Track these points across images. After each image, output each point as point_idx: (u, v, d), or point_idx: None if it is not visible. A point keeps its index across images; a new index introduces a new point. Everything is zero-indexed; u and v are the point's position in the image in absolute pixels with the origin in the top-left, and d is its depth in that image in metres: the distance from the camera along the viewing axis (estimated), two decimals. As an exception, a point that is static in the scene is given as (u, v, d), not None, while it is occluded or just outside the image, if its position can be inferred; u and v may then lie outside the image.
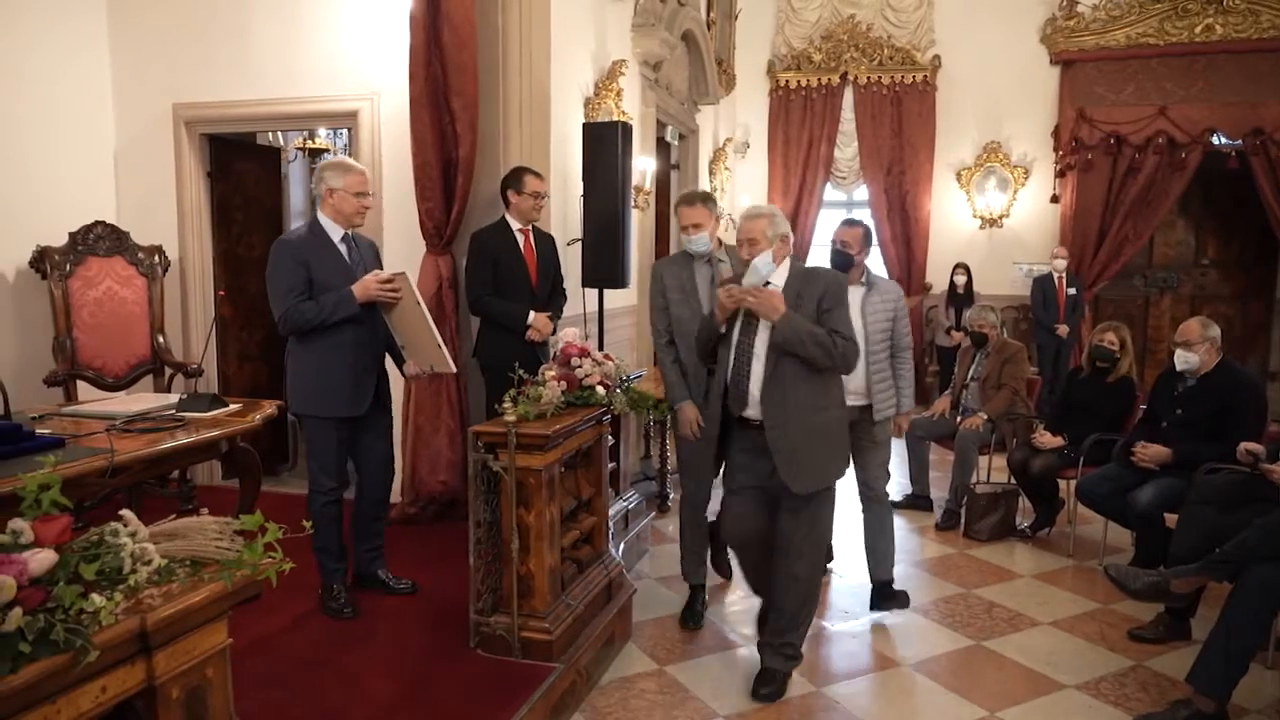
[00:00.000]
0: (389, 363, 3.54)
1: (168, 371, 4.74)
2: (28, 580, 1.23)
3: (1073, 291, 7.88)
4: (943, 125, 9.08)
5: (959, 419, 5.39)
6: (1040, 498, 5.00)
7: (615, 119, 5.18)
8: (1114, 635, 3.72)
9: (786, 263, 3.06)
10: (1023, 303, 8.58)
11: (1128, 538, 4.46)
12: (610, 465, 3.78)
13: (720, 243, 3.76)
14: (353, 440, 3.41)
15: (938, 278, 8.98)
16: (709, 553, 3.97)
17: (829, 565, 4.30)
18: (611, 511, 3.92)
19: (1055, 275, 7.87)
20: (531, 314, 4.07)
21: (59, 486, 1.39)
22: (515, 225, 4.13)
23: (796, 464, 2.99)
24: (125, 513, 1.46)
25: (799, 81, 9.39)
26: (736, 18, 9.01)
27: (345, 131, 6.04)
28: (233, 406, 3.36)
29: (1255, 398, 4.07)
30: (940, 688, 3.29)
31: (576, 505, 3.40)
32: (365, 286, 3.20)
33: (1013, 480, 5.04)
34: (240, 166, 5.37)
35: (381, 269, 3.37)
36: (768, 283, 3.01)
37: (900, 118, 9.11)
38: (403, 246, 4.48)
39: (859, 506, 4.03)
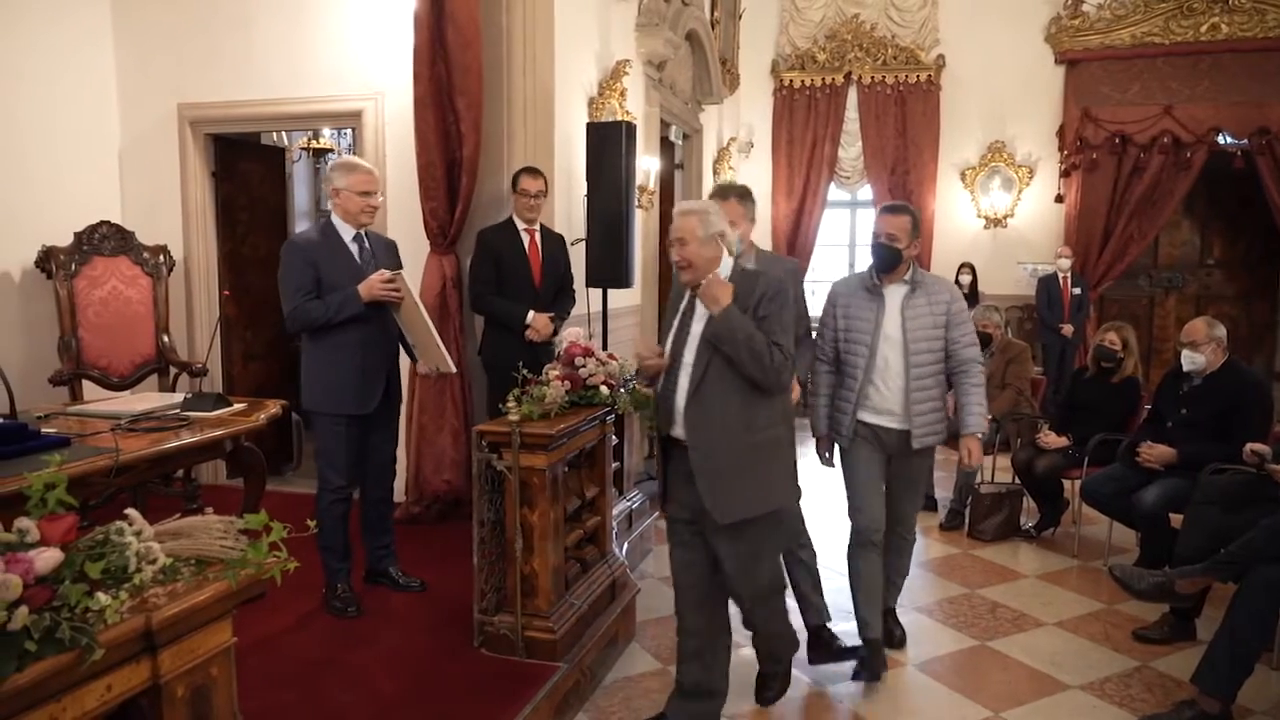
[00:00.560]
0: (405, 361, 3.55)
1: (172, 371, 4.75)
2: (34, 579, 1.23)
3: (1077, 291, 7.86)
4: (947, 125, 9.06)
5: (963, 419, 5.38)
6: (1045, 498, 4.99)
7: (619, 119, 5.18)
8: (1119, 636, 3.72)
9: (727, 262, 2.71)
10: (1027, 303, 8.57)
11: (1132, 538, 4.46)
12: (614, 465, 3.77)
13: (753, 245, 3.38)
14: (362, 438, 3.42)
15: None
16: None
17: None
18: (615, 511, 3.92)
19: (1060, 275, 7.85)
20: (530, 314, 4.08)
21: (64, 485, 1.39)
22: (520, 225, 4.17)
23: (722, 489, 2.61)
24: (130, 512, 1.46)
25: (803, 81, 9.38)
26: (740, 17, 9.00)
27: (349, 131, 6.05)
28: (237, 406, 3.37)
29: (1261, 397, 4.06)
30: (944, 688, 3.28)
31: (580, 505, 3.40)
32: (369, 286, 3.22)
33: (1017, 480, 5.03)
34: (245, 166, 5.39)
35: (401, 268, 3.40)
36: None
37: (904, 117, 9.09)
38: (407, 246, 4.45)
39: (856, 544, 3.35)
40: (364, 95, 4.67)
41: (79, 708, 1.29)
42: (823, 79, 9.30)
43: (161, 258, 4.83)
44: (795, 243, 9.57)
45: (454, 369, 3.49)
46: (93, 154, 4.96)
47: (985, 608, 4.01)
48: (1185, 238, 9.03)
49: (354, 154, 5.41)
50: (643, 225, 6.11)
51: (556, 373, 3.21)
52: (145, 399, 3.61)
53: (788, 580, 3.17)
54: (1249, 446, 3.55)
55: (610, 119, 5.15)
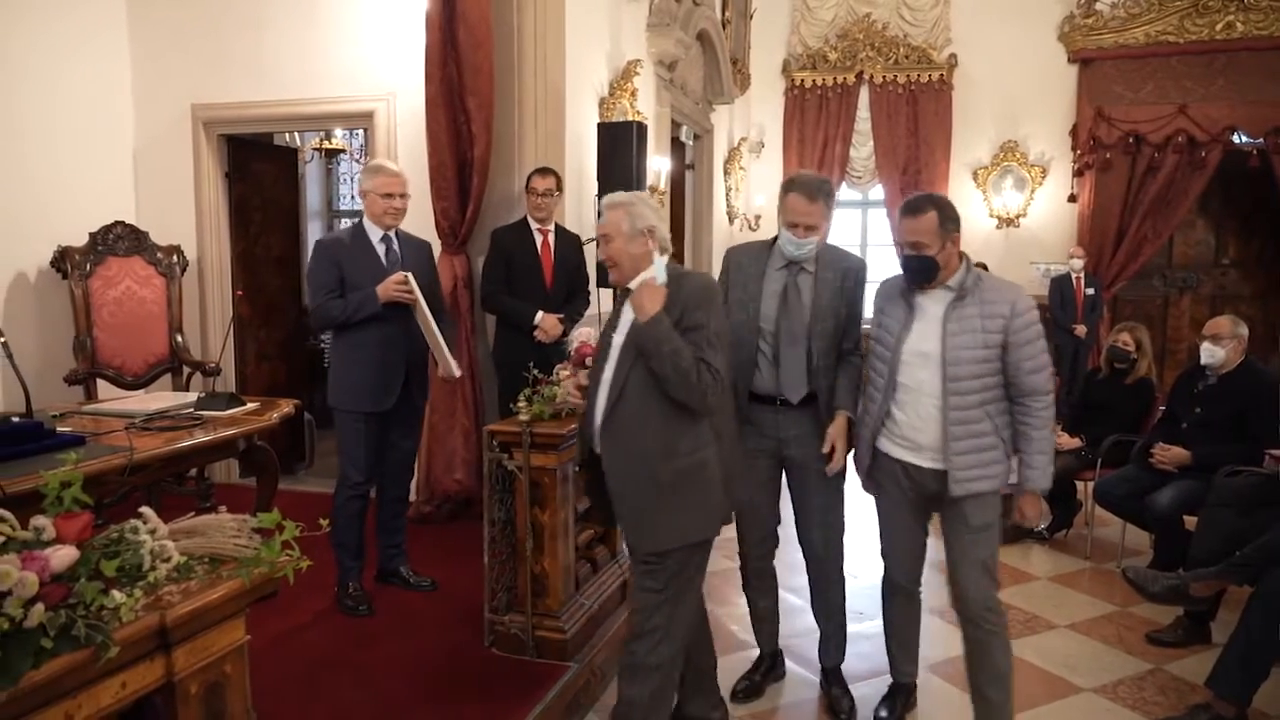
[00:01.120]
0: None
1: (186, 370, 4.78)
2: (50, 577, 1.24)
3: (1091, 292, 7.82)
4: (959, 124, 9.03)
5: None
6: (1057, 499, 4.96)
7: (630, 119, 5.19)
8: (1132, 638, 3.69)
9: (660, 262, 2.42)
10: (1040, 303, 8.45)
11: (1146, 540, 4.42)
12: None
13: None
14: (381, 436, 3.44)
15: (954, 278, 8.91)
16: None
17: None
18: (626, 511, 3.91)
19: (1073, 275, 7.81)
20: (539, 314, 4.09)
21: (80, 484, 1.40)
22: (534, 224, 4.19)
23: (638, 517, 2.41)
24: (145, 510, 1.47)
25: (814, 81, 9.36)
26: (751, 17, 8.99)
27: (361, 132, 6.08)
28: (250, 405, 3.39)
29: (1277, 398, 4.02)
30: (956, 690, 3.26)
31: (590, 505, 3.40)
32: (385, 287, 3.24)
33: (1029, 481, 4.99)
34: (258, 167, 5.42)
35: (433, 271, 3.43)
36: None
37: (916, 117, 9.06)
38: (418, 246, 4.50)
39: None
40: (376, 96, 4.69)
41: (94, 704, 1.30)
42: (834, 78, 9.27)
43: (175, 258, 4.87)
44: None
45: (456, 374, 3.47)
46: (107, 155, 5.00)
47: (997, 609, 3.98)
48: (1200, 237, 8.97)
49: (365, 154, 5.44)
50: (653, 225, 6.09)
51: (567, 373, 3.21)
52: (159, 398, 3.63)
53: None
54: (1273, 453, 3.53)
55: (621, 119, 5.15)
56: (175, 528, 1.55)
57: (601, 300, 4.79)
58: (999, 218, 9.02)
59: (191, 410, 3.22)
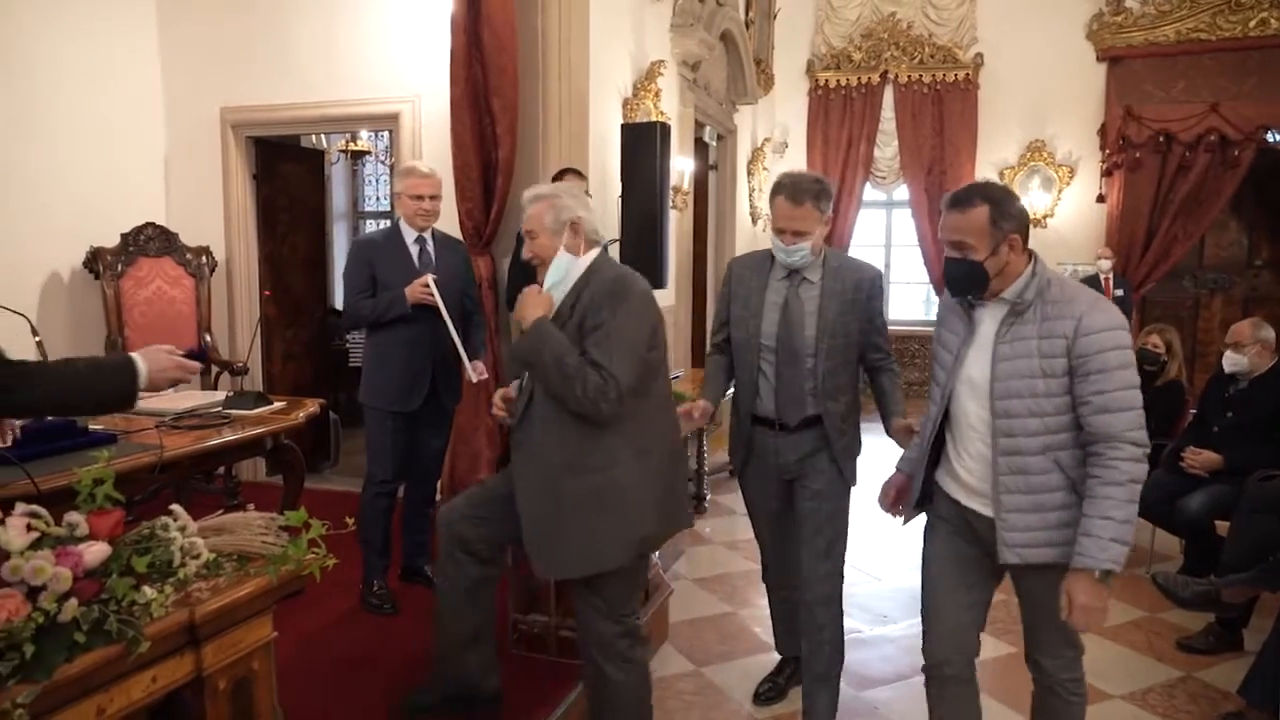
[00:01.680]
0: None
1: (214, 370, 4.84)
2: (83, 572, 1.26)
3: (1120, 293, 7.71)
4: (985, 124, 8.95)
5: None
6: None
7: (653, 120, 5.19)
8: (1162, 645, 3.64)
9: (589, 257, 2.30)
10: (1067, 304, 8.41)
11: (1176, 545, 4.36)
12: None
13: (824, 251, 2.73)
14: (409, 435, 3.46)
15: (979, 279, 8.84)
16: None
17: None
18: (648, 512, 3.91)
19: (1101, 276, 7.71)
20: None
21: (112, 481, 1.42)
22: None
23: (540, 537, 2.27)
24: (175, 507, 1.49)
25: (838, 81, 9.31)
26: (775, 17, 8.97)
27: (387, 134, 6.12)
28: (277, 404, 3.42)
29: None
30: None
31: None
32: (411, 289, 3.26)
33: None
34: (285, 168, 5.47)
35: (469, 272, 3.45)
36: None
37: (941, 117, 8.99)
38: (443, 247, 4.53)
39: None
40: (401, 98, 4.72)
41: (125, 698, 1.31)
42: (858, 78, 9.22)
43: (204, 258, 4.93)
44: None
45: (474, 378, 3.46)
46: (139, 157, 5.08)
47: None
48: (1233, 238, 8.82)
49: (391, 156, 5.48)
50: (677, 226, 6.10)
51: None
52: (188, 397, 3.67)
53: None
54: None
55: (645, 120, 5.16)
56: (204, 525, 1.57)
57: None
58: (1026, 218, 8.92)
59: (220, 409, 3.26)
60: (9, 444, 2.22)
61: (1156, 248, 8.24)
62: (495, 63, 4.15)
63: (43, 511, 1.33)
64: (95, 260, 4.56)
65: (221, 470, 4.31)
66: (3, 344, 1.80)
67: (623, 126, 4.86)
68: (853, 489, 2.86)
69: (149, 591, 1.31)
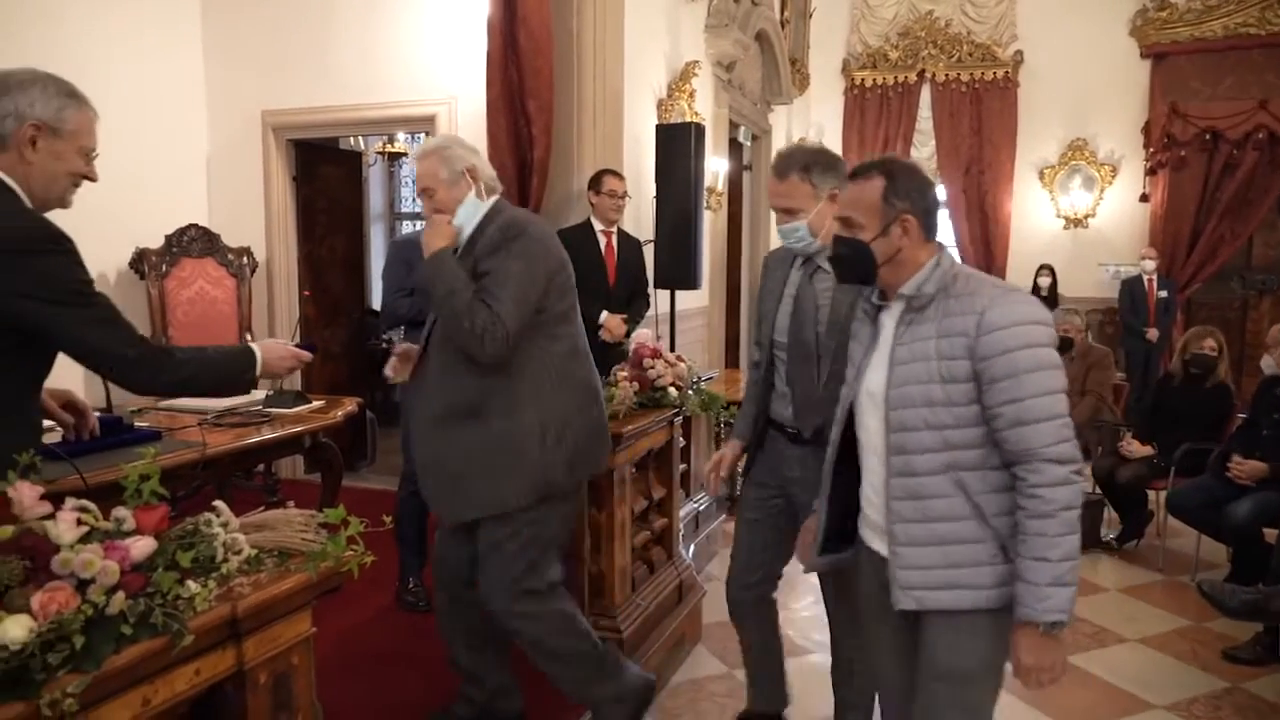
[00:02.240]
0: None
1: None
2: (130, 566, 1.28)
3: (1164, 294, 7.56)
4: (1025, 123, 8.82)
5: (1041, 425, 5.22)
6: (1127, 508, 4.81)
7: (688, 120, 5.19)
8: (1207, 655, 3.55)
9: (490, 202, 2.29)
10: (1109, 306, 8.27)
11: (1223, 552, 4.26)
12: (681, 467, 3.77)
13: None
14: None
15: (1019, 279, 8.70)
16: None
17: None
18: (682, 513, 3.91)
19: (1144, 277, 7.56)
20: (603, 314, 4.10)
21: (158, 477, 1.45)
22: (598, 226, 4.22)
23: (440, 483, 2.29)
24: (218, 503, 1.51)
25: (874, 80, 9.23)
26: (810, 16, 8.91)
27: (423, 135, 6.19)
28: (316, 403, 3.47)
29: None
30: (1020, 702, 3.18)
31: (648, 506, 3.40)
32: None
33: (1097, 490, 4.85)
34: (324, 170, 5.55)
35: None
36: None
37: (980, 116, 8.88)
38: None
39: None
40: (438, 100, 4.77)
41: (170, 690, 1.34)
42: (895, 77, 9.14)
43: (245, 259, 5.02)
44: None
45: None
46: (183, 160, 5.18)
47: (1063, 621, 3.88)
48: (1282, 238, 8.61)
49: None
50: (711, 227, 6.09)
51: (625, 374, 3.22)
52: (229, 396, 3.74)
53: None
54: None
55: (679, 120, 5.16)
56: (246, 521, 1.59)
57: (658, 301, 4.80)
58: (1066, 218, 8.78)
59: (260, 408, 3.31)
60: (88, 439, 2.28)
61: (1202, 248, 8.06)
62: (531, 64, 4.18)
63: (91, 506, 1.36)
64: (141, 261, 4.66)
65: (261, 467, 4.38)
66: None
67: (657, 127, 4.86)
68: None
69: (193, 586, 1.33)
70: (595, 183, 4.20)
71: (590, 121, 4.48)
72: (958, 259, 1.82)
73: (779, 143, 8.38)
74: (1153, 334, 7.43)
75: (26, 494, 1.28)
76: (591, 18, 4.41)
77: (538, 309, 2.22)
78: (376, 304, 6.35)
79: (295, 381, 5.09)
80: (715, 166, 6.00)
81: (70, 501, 1.34)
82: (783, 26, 7.68)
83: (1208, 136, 7.86)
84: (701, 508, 4.53)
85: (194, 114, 5.24)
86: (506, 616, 2.35)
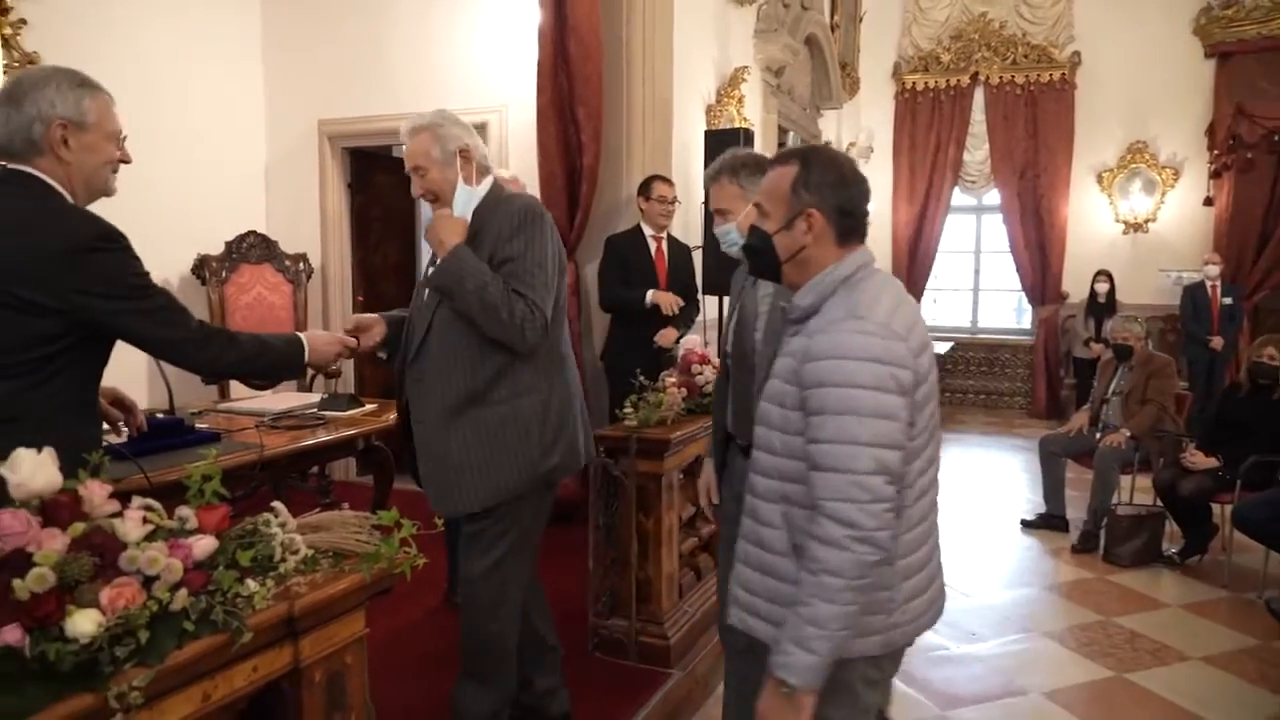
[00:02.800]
0: None
1: (309, 372, 5.01)
2: (192, 564, 1.32)
3: (1228, 301, 7.31)
4: (1082, 125, 8.63)
5: (1098, 435, 5.09)
6: (1190, 522, 4.66)
7: (737, 126, 5.18)
8: (1276, 676, 3.42)
9: (484, 185, 2.22)
10: (1170, 313, 8.03)
11: (1292, 569, 4.10)
12: (728, 473, 3.75)
13: None
14: None
15: (1075, 286, 8.52)
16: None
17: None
18: (729, 520, 3.89)
19: (1208, 283, 7.33)
20: (650, 292, 4.10)
21: (219, 478, 1.49)
22: (648, 232, 4.23)
23: (441, 473, 2.20)
24: (277, 504, 1.55)
25: (926, 83, 9.11)
26: (861, 20, 8.84)
27: (474, 143, 6.29)
28: (368, 406, 3.53)
29: None
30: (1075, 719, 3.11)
31: (695, 512, 3.40)
32: None
33: (1159, 502, 4.71)
34: (378, 179, 5.65)
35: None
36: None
37: (1035, 118, 8.71)
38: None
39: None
40: (489, 108, 4.83)
41: (229, 686, 1.37)
42: (947, 80, 9.01)
43: (301, 265, 5.13)
44: (917, 250, 9.30)
45: None
46: (243, 169, 5.33)
47: (1123, 637, 3.77)
48: (1355, 243, 8.27)
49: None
50: (759, 232, 6.06)
51: (674, 380, 3.22)
52: (285, 398, 3.82)
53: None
54: None
55: (728, 126, 5.15)
56: (302, 522, 1.62)
57: (706, 307, 4.79)
58: (1125, 222, 8.56)
59: (315, 410, 3.38)
60: (137, 435, 2.35)
61: (1270, 253, 7.79)
62: (581, 72, 4.21)
63: (156, 505, 1.40)
64: (202, 267, 4.80)
65: (315, 469, 4.47)
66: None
67: (706, 133, 4.85)
68: None
69: (252, 584, 1.36)
70: (645, 188, 4.22)
71: (639, 128, 4.50)
72: (886, 268, 1.72)
73: (828, 148, 8.32)
74: (1217, 342, 7.19)
75: (96, 492, 1.32)
76: (641, 25, 4.43)
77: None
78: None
79: (349, 385, 5.19)
80: (764, 172, 5.97)
81: (136, 500, 1.38)
82: (833, 31, 7.62)
83: (1276, 138, 7.59)
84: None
85: (253, 124, 5.38)
86: (472, 608, 2.31)
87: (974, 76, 8.90)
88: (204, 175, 5.03)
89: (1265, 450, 4.26)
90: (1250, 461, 4.23)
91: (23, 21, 4.11)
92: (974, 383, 9.46)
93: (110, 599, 1.20)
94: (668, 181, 4.20)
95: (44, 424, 1.67)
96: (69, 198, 1.81)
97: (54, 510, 1.28)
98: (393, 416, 3.44)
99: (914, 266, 9.32)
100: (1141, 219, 8.50)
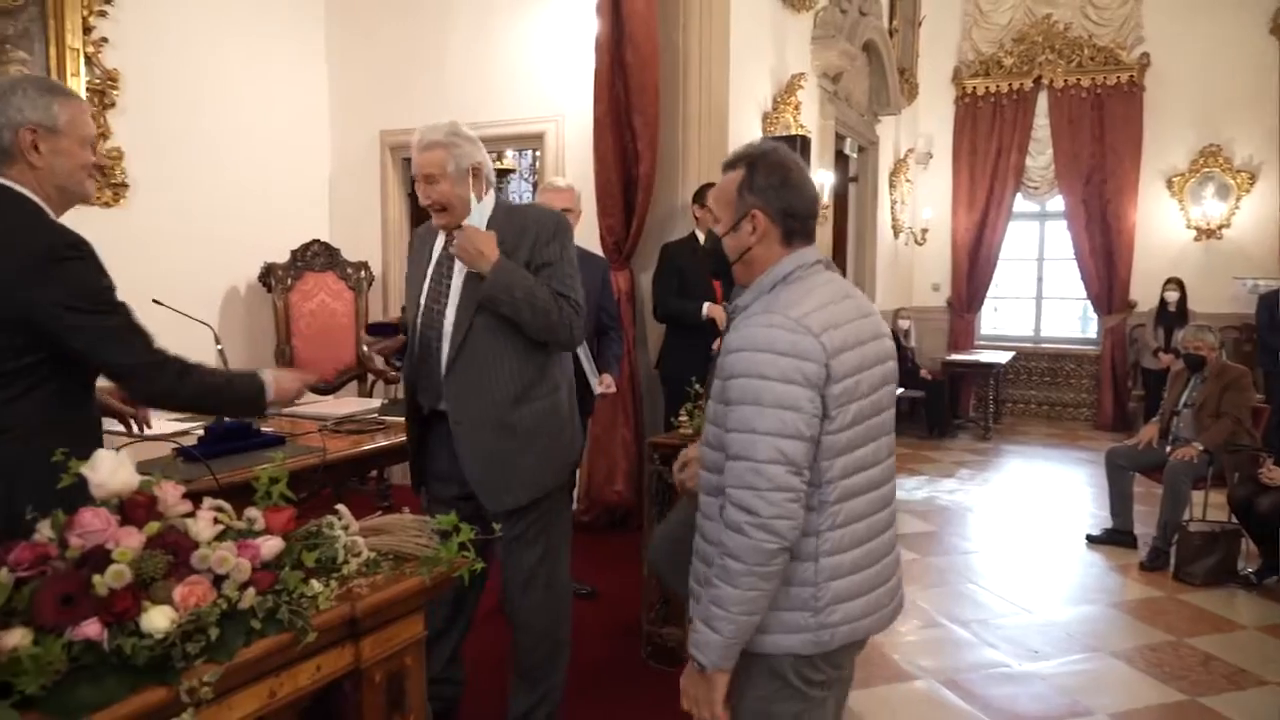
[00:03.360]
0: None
1: (370, 378, 5.13)
2: (260, 564, 1.36)
3: (1308, 310, 7.00)
4: (1151, 128, 8.37)
5: (1168, 449, 4.92)
6: (1268, 540, 4.47)
7: (793, 133, 5.15)
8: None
9: (489, 198, 2.32)
10: (1245, 322, 7.72)
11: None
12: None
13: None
14: None
15: (1144, 294, 8.27)
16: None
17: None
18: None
19: (1286, 292, 7.03)
20: (705, 305, 4.09)
21: (286, 480, 1.53)
22: (702, 239, 4.23)
23: (492, 473, 2.29)
24: (340, 507, 1.58)
25: (987, 88, 8.95)
26: (920, 24, 8.72)
27: (530, 152, 6.34)
28: (427, 412, 3.57)
29: None
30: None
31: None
32: None
33: (1234, 519, 4.53)
34: (437, 188, 5.75)
35: (605, 287, 3.54)
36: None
37: (1102, 122, 8.48)
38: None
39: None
40: (546, 118, 4.89)
41: (293, 684, 1.40)
42: (1009, 84, 8.83)
43: (363, 273, 5.24)
44: (977, 257, 9.12)
45: (597, 390, 3.48)
46: (308, 179, 5.48)
47: (1195, 659, 3.63)
48: None
49: (536, 174, 5.67)
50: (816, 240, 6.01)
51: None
52: (346, 403, 3.90)
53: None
54: None
55: (784, 133, 5.12)
56: (364, 525, 1.66)
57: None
58: (1197, 228, 8.28)
59: (375, 415, 3.44)
60: (141, 432, 2.35)
61: (1354, 260, 7.46)
62: (638, 81, 4.23)
63: (226, 506, 1.45)
64: (268, 275, 4.94)
65: (374, 473, 4.55)
66: (189, 352, 1.95)
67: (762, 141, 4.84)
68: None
69: (316, 585, 1.39)
70: (700, 196, 4.21)
71: (695, 135, 4.51)
72: (840, 270, 1.73)
73: (886, 154, 8.21)
74: (1296, 353, 6.89)
75: (171, 493, 1.37)
76: (697, 33, 4.43)
77: None
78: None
79: (407, 391, 5.29)
80: (821, 179, 5.92)
81: (208, 501, 1.43)
82: (891, 35, 7.53)
83: (1360, 140, 7.29)
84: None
85: (318, 137, 5.53)
86: (522, 608, 2.44)
87: (1037, 80, 8.71)
88: (271, 187, 5.18)
89: (1349, 466, 4.07)
90: (1333, 478, 4.05)
91: (104, 40, 4.28)
92: (1036, 393, 9.23)
93: (183, 596, 1.23)
94: None
95: (35, 436, 1.65)
96: (42, 204, 1.77)
97: (132, 509, 1.32)
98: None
99: (974, 274, 9.15)
100: (1215, 225, 8.21)
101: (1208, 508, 4.80)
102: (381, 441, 3.15)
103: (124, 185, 4.38)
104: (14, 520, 1.32)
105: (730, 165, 1.68)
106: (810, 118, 5.87)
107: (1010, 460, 7.29)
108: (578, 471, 3.95)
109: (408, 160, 5.41)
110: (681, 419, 3.02)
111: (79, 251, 1.73)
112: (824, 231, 6.34)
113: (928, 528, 5.38)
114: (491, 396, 2.26)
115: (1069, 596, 4.34)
